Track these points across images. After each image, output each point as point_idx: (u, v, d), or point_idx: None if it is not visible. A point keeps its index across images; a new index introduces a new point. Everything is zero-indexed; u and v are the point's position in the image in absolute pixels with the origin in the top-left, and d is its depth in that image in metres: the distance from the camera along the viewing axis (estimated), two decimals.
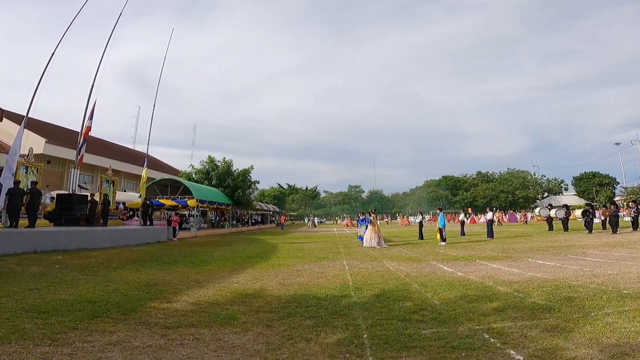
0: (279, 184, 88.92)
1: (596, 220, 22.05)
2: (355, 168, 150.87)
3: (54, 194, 19.56)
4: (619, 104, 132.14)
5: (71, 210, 15.58)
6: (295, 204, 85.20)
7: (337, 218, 74.87)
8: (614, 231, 17.79)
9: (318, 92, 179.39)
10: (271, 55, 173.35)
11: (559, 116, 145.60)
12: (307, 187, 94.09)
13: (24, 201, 12.69)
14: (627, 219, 25.29)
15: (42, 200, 15.57)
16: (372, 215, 15.87)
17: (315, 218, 58.32)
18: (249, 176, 35.41)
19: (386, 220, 55.68)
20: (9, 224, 12.08)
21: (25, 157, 14.83)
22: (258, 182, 37.78)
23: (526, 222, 38.39)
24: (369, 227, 15.32)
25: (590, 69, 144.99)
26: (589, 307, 4.66)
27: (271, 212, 55.72)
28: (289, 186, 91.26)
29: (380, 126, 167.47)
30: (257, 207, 44.24)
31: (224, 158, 34.94)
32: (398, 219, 62.02)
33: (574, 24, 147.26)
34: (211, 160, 34.51)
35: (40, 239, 11.34)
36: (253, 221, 43.92)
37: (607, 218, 19.53)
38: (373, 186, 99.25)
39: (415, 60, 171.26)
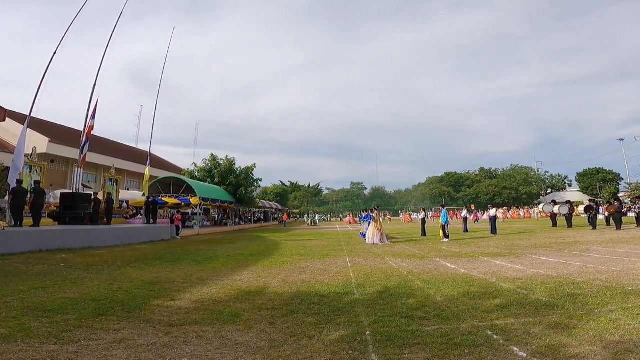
0: (281, 182, 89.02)
1: (600, 217, 21.95)
2: (358, 165, 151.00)
3: (57, 193, 19.66)
4: (625, 99, 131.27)
5: (75, 209, 15.67)
6: (297, 202, 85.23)
7: (339, 215, 74.75)
8: (618, 227, 17.69)
9: (321, 89, 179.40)
10: (275, 53, 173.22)
11: (564, 112, 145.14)
12: (309, 185, 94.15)
13: (27, 200, 12.76)
14: (631, 214, 25.16)
15: (46, 199, 15.66)
16: (375, 212, 15.86)
17: (317, 215, 56.93)
18: (252, 174, 35.47)
19: (389, 217, 55.48)
20: (13, 223, 12.16)
21: (29, 157, 14.91)
22: (260, 180, 37.87)
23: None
24: (372, 224, 15.31)
25: (595, 65, 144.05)
26: (593, 304, 4.64)
27: (274, 210, 55.78)
28: (292, 184, 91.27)
29: (383, 123, 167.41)
30: (260, 204, 44.31)
31: (227, 156, 35.05)
32: (401, 216, 61.91)
33: (579, 20, 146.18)
34: (214, 158, 34.58)
35: (45, 238, 11.41)
36: (256, 219, 44.02)
37: (611, 214, 19.43)
38: (375, 183, 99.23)
39: (419, 58, 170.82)
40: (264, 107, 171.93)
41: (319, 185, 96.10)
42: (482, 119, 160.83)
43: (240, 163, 35.65)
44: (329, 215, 79.46)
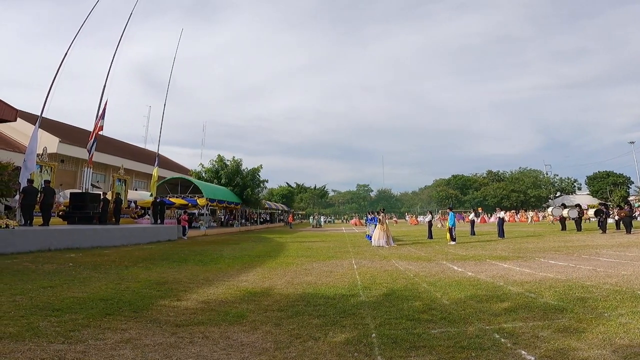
0: (287, 183, 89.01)
1: (610, 220, 21.66)
2: (364, 167, 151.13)
3: (67, 193, 19.90)
4: (633, 102, 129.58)
5: (84, 208, 15.85)
6: (303, 203, 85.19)
7: (343, 216, 74.43)
8: (628, 231, 17.44)
9: (325, 90, 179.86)
10: (279, 54, 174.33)
11: (571, 114, 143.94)
12: (315, 186, 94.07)
13: (37, 200, 12.93)
14: None
15: (56, 199, 15.86)
16: (381, 214, 15.81)
17: (322, 217, 55.15)
18: (258, 175, 35.57)
19: (395, 219, 55.13)
20: (23, 222, 12.33)
21: (40, 157, 15.11)
22: (267, 181, 37.99)
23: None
24: (378, 226, 15.26)
25: (602, 66, 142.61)
26: (602, 308, 4.58)
27: (280, 211, 55.82)
28: (298, 185, 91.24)
29: (388, 124, 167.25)
30: (266, 206, 44.40)
31: (234, 157, 35.18)
32: (407, 218, 61.58)
33: (585, 23, 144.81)
34: (220, 159, 34.75)
35: (54, 237, 11.55)
36: (262, 220, 44.14)
37: (622, 218, 19.15)
38: (381, 185, 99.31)
39: (423, 59, 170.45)
40: (268, 108, 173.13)
41: (324, 187, 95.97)
42: (487, 121, 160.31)
43: (246, 164, 35.81)
44: (333, 217, 79.20)
